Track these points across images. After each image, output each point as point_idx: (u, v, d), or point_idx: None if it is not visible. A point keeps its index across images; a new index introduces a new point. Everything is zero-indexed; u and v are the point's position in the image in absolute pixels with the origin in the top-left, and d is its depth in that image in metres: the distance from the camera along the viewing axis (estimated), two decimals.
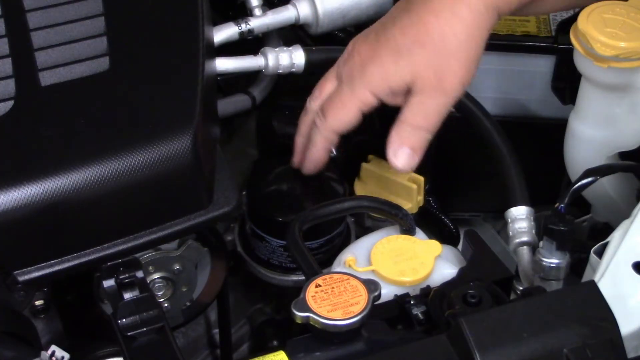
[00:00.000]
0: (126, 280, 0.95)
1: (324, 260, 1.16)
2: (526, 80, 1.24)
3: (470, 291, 0.89)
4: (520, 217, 1.08)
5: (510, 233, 1.08)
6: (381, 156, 1.24)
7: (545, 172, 1.21)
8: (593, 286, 0.86)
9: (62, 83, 0.97)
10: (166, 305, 1.12)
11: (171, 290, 1.13)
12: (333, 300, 0.87)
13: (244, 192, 1.20)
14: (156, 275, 1.11)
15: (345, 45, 1.10)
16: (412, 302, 0.93)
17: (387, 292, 0.95)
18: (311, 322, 0.87)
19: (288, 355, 0.86)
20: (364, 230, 1.23)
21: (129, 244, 0.96)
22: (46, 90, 0.97)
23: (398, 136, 1.06)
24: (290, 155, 1.18)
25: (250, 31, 1.16)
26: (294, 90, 1.28)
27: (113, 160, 0.92)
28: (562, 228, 1.00)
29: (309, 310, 0.87)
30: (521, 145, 1.13)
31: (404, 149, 1.06)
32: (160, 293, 1.12)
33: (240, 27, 1.15)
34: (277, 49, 1.15)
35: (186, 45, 1.02)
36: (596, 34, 1.03)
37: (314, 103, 1.10)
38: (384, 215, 1.07)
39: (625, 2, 1.08)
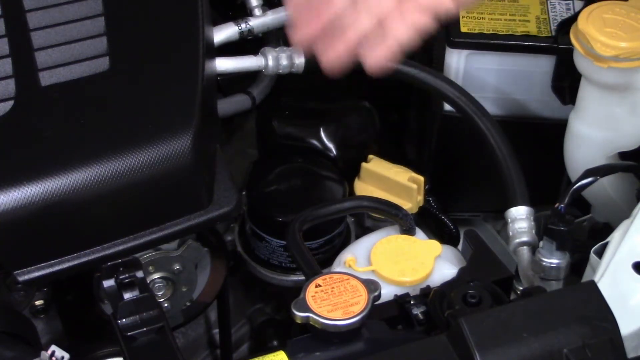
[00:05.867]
0: (126, 280, 0.94)
1: (324, 260, 1.16)
2: (526, 80, 1.24)
3: (470, 291, 0.89)
4: (520, 217, 1.08)
5: (510, 233, 1.08)
6: (381, 156, 1.24)
7: (545, 172, 1.21)
8: (593, 286, 0.86)
9: (62, 83, 0.97)
10: (166, 305, 1.12)
11: (171, 290, 1.13)
12: (333, 300, 0.87)
13: (244, 192, 1.20)
14: (156, 275, 1.11)
15: None
16: (412, 302, 0.93)
17: (387, 292, 0.95)
18: (311, 322, 0.87)
19: (288, 355, 0.86)
20: (364, 230, 1.23)
21: (129, 244, 0.96)
22: (46, 90, 0.97)
23: None
24: (290, 156, 1.18)
25: (250, 31, 1.16)
26: (294, 90, 1.28)
27: (113, 160, 0.92)
28: (562, 228, 1.00)
29: (309, 310, 0.87)
30: (521, 145, 1.13)
31: None
32: (160, 293, 1.12)
33: (240, 27, 1.15)
34: (277, 49, 1.15)
35: (186, 45, 1.02)
36: (596, 34, 1.04)
37: None
38: (384, 215, 1.07)
39: (625, 2, 1.08)
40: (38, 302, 1.09)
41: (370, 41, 0.95)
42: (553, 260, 1.02)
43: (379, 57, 0.95)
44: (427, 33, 0.95)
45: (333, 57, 0.96)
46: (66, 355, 0.92)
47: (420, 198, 1.21)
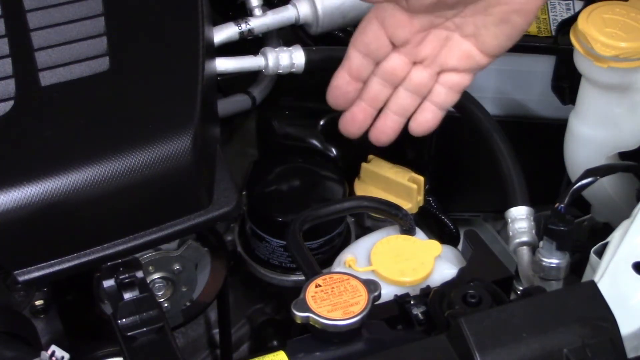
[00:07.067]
0: (126, 280, 0.94)
1: (324, 260, 1.16)
2: (526, 80, 1.24)
3: (470, 291, 0.89)
4: (520, 217, 1.08)
5: (510, 233, 1.08)
6: (381, 156, 1.24)
7: (545, 172, 1.21)
8: (593, 286, 0.86)
9: (62, 83, 0.97)
10: (166, 305, 1.12)
11: (171, 290, 1.13)
12: (333, 300, 0.87)
13: (244, 192, 1.20)
14: (156, 275, 1.11)
15: (345, 45, 1.10)
16: (412, 302, 0.93)
17: (387, 292, 0.95)
18: (311, 322, 0.87)
19: (288, 355, 0.86)
20: (364, 230, 1.23)
21: (129, 244, 0.96)
22: (46, 90, 0.97)
23: None
24: (290, 156, 1.18)
25: (250, 31, 1.16)
26: (294, 90, 1.28)
27: (113, 160, 0.92)
28: (562, 228, 1.00)
29: (309, 310, 0.87)
30: (521, 145, 1.13)
31: None
32: (160, 293, 1.12)
33: (240, 27, 1.15)
34: (277, 49, 1.15)
35: (186, 45, 1.02)
36: (596, 34, 1.04)
37: None
38: (384, 215, 1.07)
39: (625, 2, 1.08)
40: (38, 302, 1.09)
41: (411, 111, 1.02)
42: (553, 260, 1.02)
43: (424, 122, 1.02)
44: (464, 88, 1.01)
45: (381, 131, 1.04)
46: (66, 355, 0.92)
47: (420, 198, 1.21)
